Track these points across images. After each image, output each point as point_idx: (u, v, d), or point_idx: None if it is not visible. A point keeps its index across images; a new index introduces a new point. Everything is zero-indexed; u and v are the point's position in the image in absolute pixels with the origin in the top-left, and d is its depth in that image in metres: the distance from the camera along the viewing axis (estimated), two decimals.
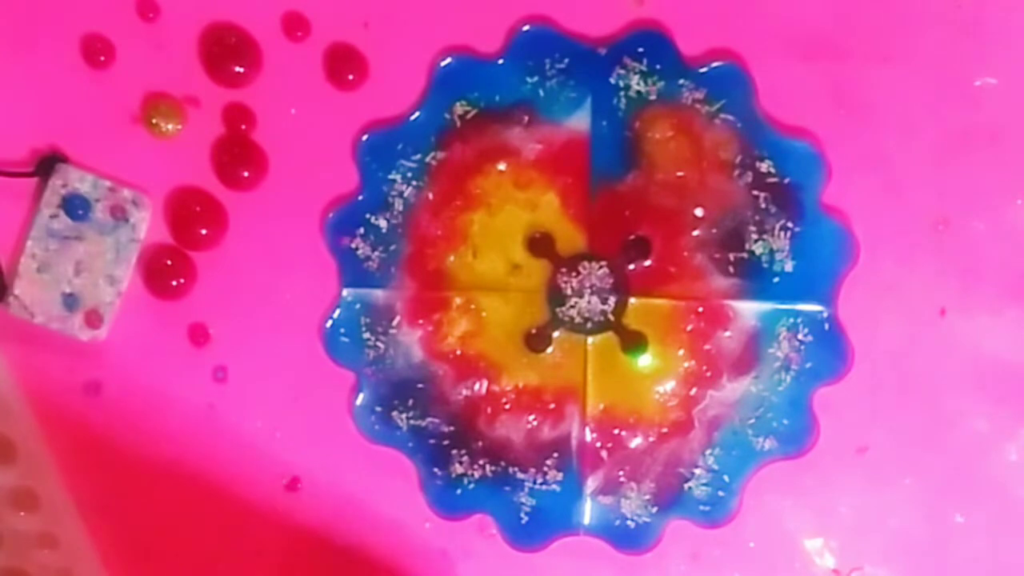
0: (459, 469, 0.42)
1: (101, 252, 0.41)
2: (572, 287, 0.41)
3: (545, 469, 0.41)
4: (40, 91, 0.41)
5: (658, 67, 0.40)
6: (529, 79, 0.40)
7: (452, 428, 0.41)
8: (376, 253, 0.41)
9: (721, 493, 0.41)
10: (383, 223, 0.41)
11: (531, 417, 0.41)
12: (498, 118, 0.41)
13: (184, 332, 0.42)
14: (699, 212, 0.40)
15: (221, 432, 0.42)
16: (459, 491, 0.42)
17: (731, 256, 0.40)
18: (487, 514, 0.42)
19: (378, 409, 0.42)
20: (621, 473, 0.41)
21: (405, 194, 0.41)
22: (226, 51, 0.41)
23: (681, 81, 0.40)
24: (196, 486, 0.42)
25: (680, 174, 0.40)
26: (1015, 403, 0.41)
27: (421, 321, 0.41)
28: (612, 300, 0.41)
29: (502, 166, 0.41)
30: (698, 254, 0.40)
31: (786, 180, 0.40)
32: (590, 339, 0.41)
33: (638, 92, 0.40)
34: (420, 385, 0.41)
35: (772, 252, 0.40)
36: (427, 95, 0.41)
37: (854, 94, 0.40)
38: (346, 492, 0.42)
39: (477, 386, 0.41)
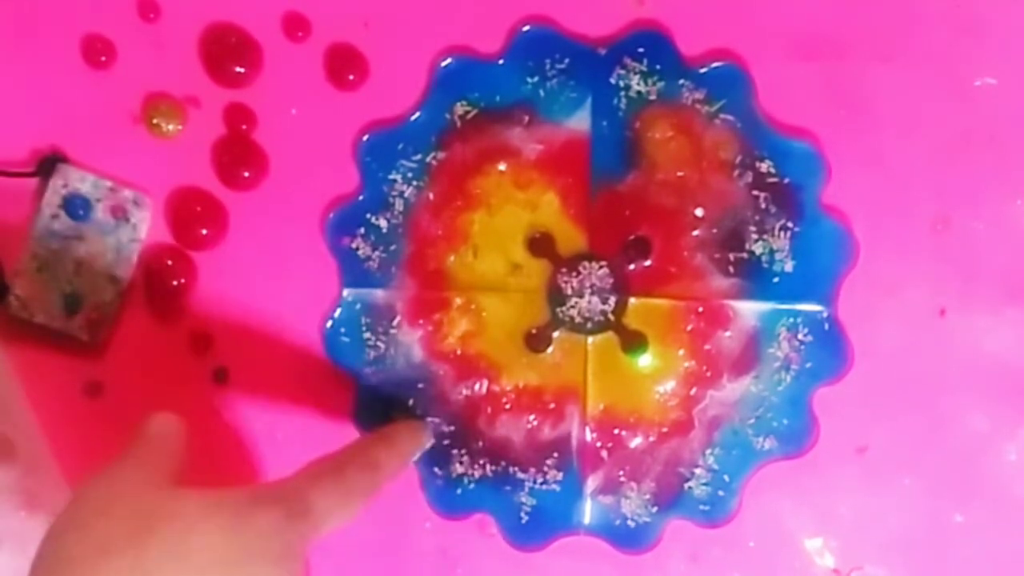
0: (459, 469, 0.42)
1: (102, 252, 0.41)
2: (572, 287, 0.41)
3: (545, 469, 0.42)
4: (41, 91, 0.41)
5: (658, 67, 0.40)
6: (529, 79, 0.40)
7: (452, 428, 0.42)
8: (376, 253, 0.41)
9: (721, 493, 0.41)
10: (383, 223, 0.41)
11: (531, 417, 0.41)
12: (498, 118, 0.41)
13: (184, 333, 0.42)
14: (699, 212, 0.41)
15: (222, 432, 0.42)
16: (459, 491, 0.42)
17: (731, 256, 0.40)
18: (487, 514, 0.42)
19: (378, 409, 0.42)
20: (621, 473, 0.41)
21: (405, 194, 0.41)
22: (227, 51, 0.41)
23: (681, 81, 0.40)
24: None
25: (680, 174, 0.40)
26: (1014, 403, 0.41)
27: (421, 321, 0.41)
28: (612, 300, 0.41)
29: (502, 166, 0.41)
30: (698, 254, 0.41)
31: (786, 180, 0.40)
32: (590, 339, 0.41)
33: (638, 92, 0.40)
34: (420, 385, 0.41)
35: (772, 252, 0.40)
36: (427, 95, 0.41)
37: (854, 94, 0.40)
38: None
39: (477, 386, 0.41)
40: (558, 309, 0.41)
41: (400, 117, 0.41)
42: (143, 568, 0.30)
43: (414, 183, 0.41)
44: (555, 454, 0.41)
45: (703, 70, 0.40)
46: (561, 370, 0.41)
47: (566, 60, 0.40)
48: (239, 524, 0.31)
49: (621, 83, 0.40)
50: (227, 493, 0.33)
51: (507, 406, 0.41)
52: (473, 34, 0.41)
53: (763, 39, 0.40)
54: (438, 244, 0.41)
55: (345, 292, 0.41)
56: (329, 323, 0.41)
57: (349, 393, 0.42)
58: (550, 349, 0.41)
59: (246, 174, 0.41)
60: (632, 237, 0.41)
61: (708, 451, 0.41)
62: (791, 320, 0.41)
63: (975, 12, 0.40)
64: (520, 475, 0.41)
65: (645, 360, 0.41)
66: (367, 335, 0.41)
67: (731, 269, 0.41)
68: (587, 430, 0.41)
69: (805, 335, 0.41)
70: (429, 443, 0.41)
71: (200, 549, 0.30)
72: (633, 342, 0.41)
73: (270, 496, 0.33)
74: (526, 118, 0.41)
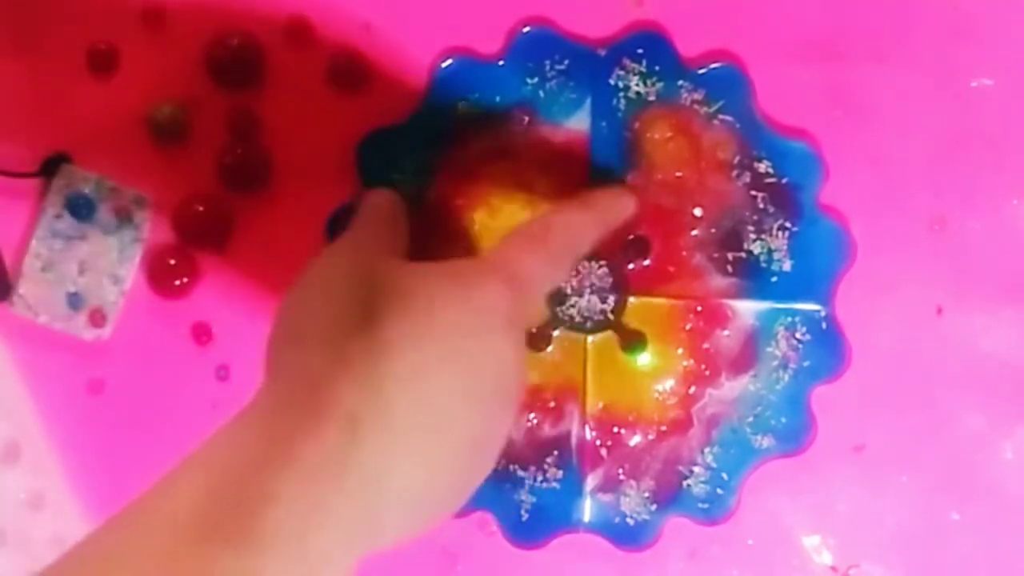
0: None
1: (105, 252, 0.41)
2: (572, 286, 0.41)
3: (545, 467, 0.42)
4: (46, 93, 0.41)
5: (657, 68, 0.40)
6: (529, 80, 0.41)
7: None
8: None
9: (719, 491, 0.42)
10: None
11: (531, 415, 0.42)
12: (498, 119, 0.41)
13: (187, 331, 0.42)
14: (698, 212, 0.41)
15: None
16: None
17: (729, 255, 0.41)
18: (488, 511, 0.42)
19: None
20: (620, 471, 0.42)
21: (406, 194, 0.41)
22: (229, 55, 0.41)
23: (680, 82, 0.40)
24: None
25: (679, 174, 0.41)
26: (1011, 401, 0.41)
27: None
28: (612, 299, 0.41)
29: (502, 166, 0.41)
30: (697, 254, 0.41)
31: (784, 180, 0.40)
32: (590, 338, 0.41)
33: (637, 93, 0.40)
34: None
35: (770, 251, 0.41)
36: (428, 96, 0.41)
37: (851, 95, 0.41)
38: None
39: None
40: (558, 308, 0.41)
41: (401, 118, 0.41)
42: (381, 342, 0.29)
43: (414, 183, 0.41)
44: (555, 452, 0.42)
45: (702, 71, 0.40)
46: (561, 369, 0.41)
47: (565, 61, 0.41)
48: (469, 294, 0.31)
49: (620, 84, 0.40)
50: (452, 264, 0.33)
51: None
52: (473, 36, 0.41)
53: (762, 40, 0.40)
54: (439, 244, 0.41)
55: None
56: None
57: None
58: (550, 348, 0.41)
59: (248, 174, 0.41)
60: (631, 237, 0.41)
61: (707, 449, 0.41)
62: (789, 319, 0.41)
63: (972, 14, 0.40)
64: (520, 473, 0.42)
65: (644, 359, 0.41)
66: None
67: (729, 268, 0.41)
68: (587, 428, 0.42)
69: (803, 334, 0.41)
70: (631, 210, 0.39)
71: (439, 320, 0.30)
72: (632, 341, 0.41)
73: (491, 268, 0.33)
74: (526, 119, 0.41)
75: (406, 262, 0.34)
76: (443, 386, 0.29)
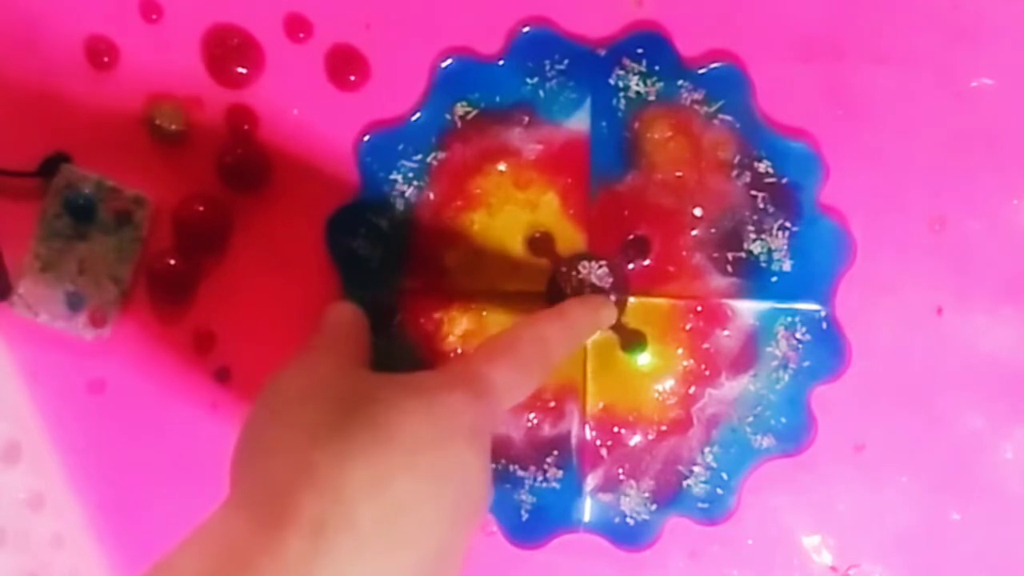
0: None
1: (105, 252, 0.41)
2: (572, 286, 0.41)
3: (545, 467, 0.42)
4: (44, 92, 0.41)
5: (657, 68, 0.40)
6: (529, 80, 0.41)
7: None
8: (377, 253, 0.41)
9: (719, 491, 0.42)
10: (384, 223, 0.41)
11: (531, 415, 0.42)
12: (498, 119, 0.41)
13: (187, 332, 0.42)
14: (698, 212, 0.41)
15: (224, 431, 0.42)
16: None
17: (729, 255, 0.41)
18: (488, 512, 0.42)
19: None
20: (620, 471, 0.42)
21: (406, 194, 0.41)
22: (229, 52, 0.41)
23: (680, 82, 0.40)
24: (199, 485, 0.43)
25: (679, 174, 0.41)
26: (1011, 401, 0.41)
27: (422, 320, 0.41)
28: (611, 299, 0.41)
29: (502, 166, 0.41)
30: (697, 254, 0.41)
31: (784, 180, 0.40)
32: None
33: (637, 93, 0.40)
34: None
35: (770, 251, 0.41)
36: (428, 96, 0.41)
37: (852, 95, 0.41)
38: None
39: None
40: None
41: (401, 117, 0.41)
42: (347, 450, 0.29)
43: (414, 183, 0.41)
44: (555, 452, 0.42)
45: (702, 71, 0.40)
46: (561, 368, 0.41)
47: (565, 61, 0.41)
48: (434, 405, 0.31)
49: (620, 84, 0.40)
50: (416, 376, 0.33)
51: None
52: (473, 35, 0.41)
53: (762, 40, 0.40)
54: (438, 244, 0.41)
55: (346, 291, 0.42)
56: None
57: None
58: None
59: (248, 174, 0.42)
60: (631, 237, 0.41)
61: (707, 449, 0.41)
62: (789, 319, 0.41)
63: (972, 13, 0.40)
64: (520, 473, 0.42)
65: (644, 359, 0.41)
66: None
67: (729, 268, 0.41)
68: (587, 428, 0.42)
69: (803, 334, 0.41)
70: (611, 320, 0.40)
71: (402, 430, 0.30)
72: (632, 341, 0.41)
73: (455, 378, 0.33)
74: (526, 118, 0.41)
75: (370, 373, 0.34)
76: (408, 494, 0.29)
